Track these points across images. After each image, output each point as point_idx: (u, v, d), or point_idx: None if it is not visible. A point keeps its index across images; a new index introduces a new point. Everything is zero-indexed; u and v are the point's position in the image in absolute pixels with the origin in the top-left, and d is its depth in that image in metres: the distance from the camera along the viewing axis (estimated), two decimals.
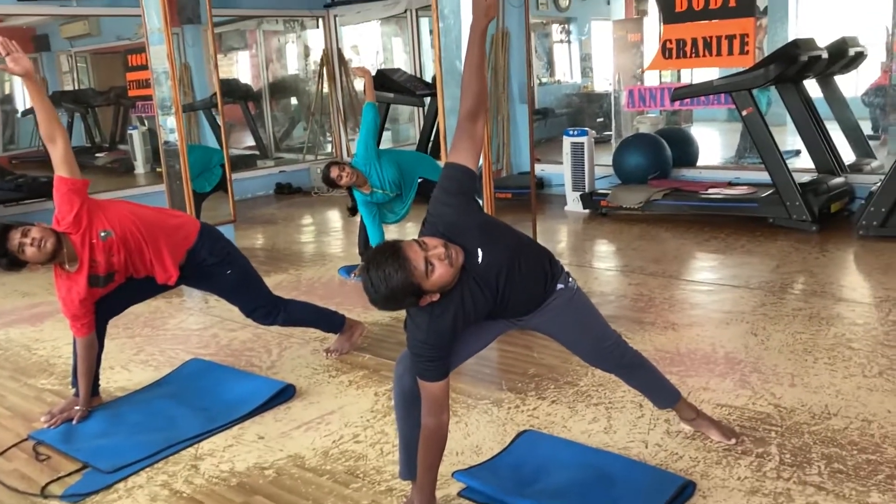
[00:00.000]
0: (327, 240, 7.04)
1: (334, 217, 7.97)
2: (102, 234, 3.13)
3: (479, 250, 2.20)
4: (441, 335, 2.20)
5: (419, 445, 2.34)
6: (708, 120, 11.18)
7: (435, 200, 2.23)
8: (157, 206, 3.54)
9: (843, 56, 6.17)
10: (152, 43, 5.55)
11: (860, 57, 6.42)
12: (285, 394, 3.47)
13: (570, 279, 2.50)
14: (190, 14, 7.16)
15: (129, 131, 9.84)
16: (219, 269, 3.47)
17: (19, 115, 10.09)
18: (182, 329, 4.56)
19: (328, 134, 10.40)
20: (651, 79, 9.17)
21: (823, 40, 6.19)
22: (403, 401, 2.43)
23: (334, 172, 5.00)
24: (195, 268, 3.42)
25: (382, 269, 2.03)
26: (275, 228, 7.41)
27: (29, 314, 5.02)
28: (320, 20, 9.84)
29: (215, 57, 6.17)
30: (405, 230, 6.53)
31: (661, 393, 2.80)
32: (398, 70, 8.73)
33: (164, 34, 5.37)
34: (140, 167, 9.71)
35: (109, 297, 3.30)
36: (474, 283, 2.21)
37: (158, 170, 9.49)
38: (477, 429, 3.06)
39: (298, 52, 10.69)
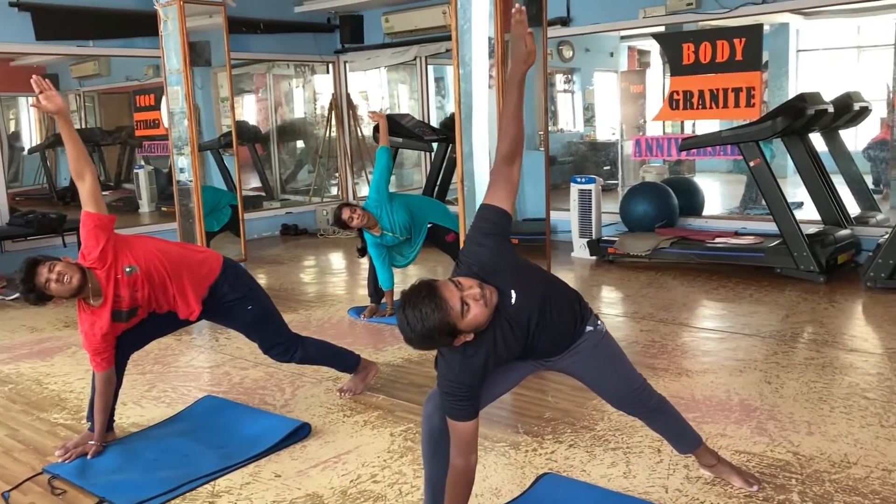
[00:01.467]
0: (335, 281, 7.05)
1: (340, 259, 8.01)
2: (128, 269, 3.16)
3: (513, 291, 2.23)
4: (473, 375, 2.22)
5: (447, 486, 2.33)
6: (709, 171, 11.32)
7: (469, 241, 2.26)
8: (180, 242, 3.57)
9: (849, 110, 6.28)
10: (170, 84, 5.64)
11: (864, 111, 6.54)
12: (301, 432, 3.45)
13: (599, 322, 2.53)
14: (208, 56, 7.34)
15: (135, 170, 9.92)
16: (240, 305, 3.48)
17: (25, 152, 10.17)
18: (193, 366, 4.55)
19: (334, 177, 10.49)
20: (653, 129, 9.30)
21: (824, 95, 6.30)
22: (431, 440, 2.43)
23: (346, 214, 5.05)
24: (216, 303, 3.44)
25: (419, 309, 2.05)
26: (282, 269, 7.43)
27: (38, 349, 5.01)
28: (330, 65, 10.00)
29: (232, 98, 6.28)
30: (407, 274, 6.54)
31: (684, 438, 2.80)
32: (407, 115, 8.84)
33: (182, 75, 5.46)
34: (145, 206, 9.78)
35: (131, 332, 3.31)
36: (506, 324, 2.23)
37: (163, 209, 9.58)
38: (495, 471, 3.06)
39: (307, 96, 10.83)
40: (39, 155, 10.19)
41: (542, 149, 5.94)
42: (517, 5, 2.27)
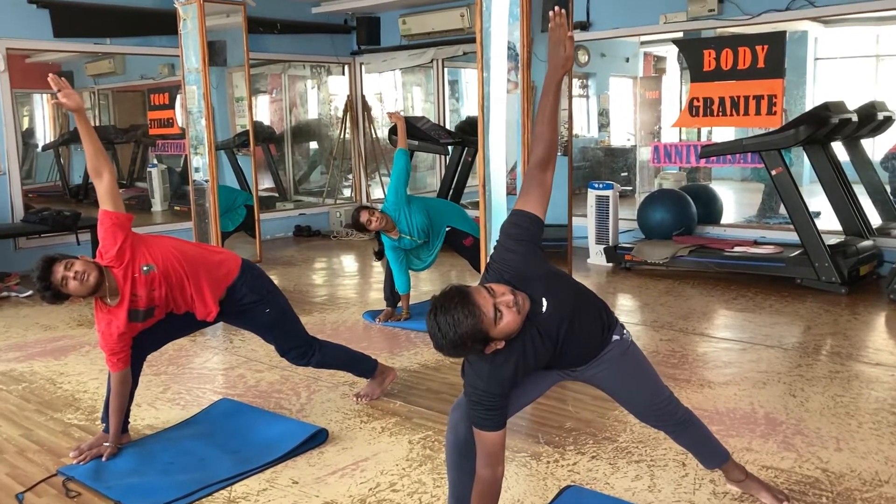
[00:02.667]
0: (349, 283, 7.00)
1: (353, 261, 7.96)
2: (145, 268, 3.11)
3: (544, 300, 2.17)
4: (502, 384, 2.16)
5: (472, 498, 2.28)
6: (724, 178, 11.23)
7: (500, 246, 2.21)
8: (199, 242, 3.53)
9: (873, 120, 6.20)
10: (188, 83, 5.61)
11: (888, 121, 6.46)
12: (318, 438, 3.40)
13: (625, 331, 2.47)
14: (224, 56, 7.33)
15: (148, 169, 9.91)
16: (257, 307, 3.43)
17: (39, 149, 10.17)
18: (208, 368, 4.50)
19: (348, 178, 10.46)
20: (669, 135, 9.22)
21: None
22: (457, 449, 2.38)
23: (364, 217, 5.00)
24: (234, 305, 3.39)
25: (451, 315, 1.99)
26: (295, 270, 7.39)
27: (52, 347, 4.97)
28: (346, 67, 9.97)
29: (249, 99, 6.22)
30: (420, 277, 6.49)
31: (711, 452, 2.74)
32: (422, 118, 8.80)
33: (200, 74, 5.43)
34: (158, 205, 9.77)
35: (148, 332, 3.27)
36: (536, 333, 2.18)
37: (176, 208, 9.56)
38: (517, 482, 3.00)
39: (322, 97, 10.79)
40: (53, 152, 10.19)
41: (561, 153, 5.88)
42: (556, 7, 2.21)
